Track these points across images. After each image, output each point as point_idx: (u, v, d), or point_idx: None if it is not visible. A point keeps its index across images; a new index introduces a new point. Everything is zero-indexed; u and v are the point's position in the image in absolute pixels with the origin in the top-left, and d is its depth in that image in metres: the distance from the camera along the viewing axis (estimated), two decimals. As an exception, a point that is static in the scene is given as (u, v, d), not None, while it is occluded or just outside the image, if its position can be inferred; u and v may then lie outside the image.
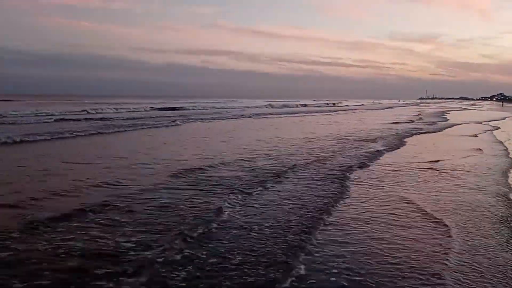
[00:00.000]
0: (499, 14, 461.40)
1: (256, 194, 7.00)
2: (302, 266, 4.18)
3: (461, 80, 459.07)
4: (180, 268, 4.08)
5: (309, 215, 5.87)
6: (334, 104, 77.66)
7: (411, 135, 17.73)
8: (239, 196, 6.69)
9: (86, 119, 26.23)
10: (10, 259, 4.25)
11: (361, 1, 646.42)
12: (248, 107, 52.99)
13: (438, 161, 10.76)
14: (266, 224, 5.44)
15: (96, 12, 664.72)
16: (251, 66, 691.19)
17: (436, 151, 13.33)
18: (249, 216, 5.79)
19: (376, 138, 15.90)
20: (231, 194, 6.81)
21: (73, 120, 25.34)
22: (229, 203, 6.29)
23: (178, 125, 23.69)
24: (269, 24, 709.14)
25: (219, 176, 8.33)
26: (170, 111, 39.32)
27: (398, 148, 13.55)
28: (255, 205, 6.34)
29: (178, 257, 4.31)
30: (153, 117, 28.81)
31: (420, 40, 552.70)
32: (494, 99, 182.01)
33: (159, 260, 4.21)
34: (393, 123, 25.99)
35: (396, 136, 16.79)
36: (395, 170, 9.46)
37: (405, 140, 15.81)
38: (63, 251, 4.44)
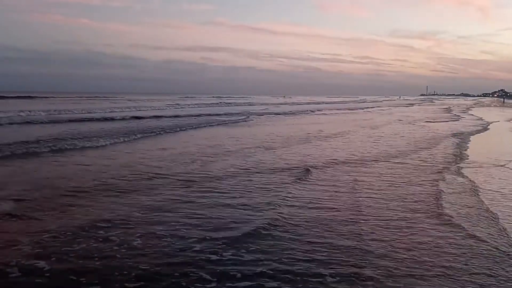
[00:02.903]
0: (498, 11, 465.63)
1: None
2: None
3: (461, 77, 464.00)
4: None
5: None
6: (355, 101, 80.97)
7: (475, 133, 20.17)
8: None
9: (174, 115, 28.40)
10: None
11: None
12: (279, 104, 55.70)
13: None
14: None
15: (95, 9, 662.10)
16: (250, 63, 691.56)
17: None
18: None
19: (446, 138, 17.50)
20: None
21: (149, 117, 27.00)
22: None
23: (251, 120, 26.52)
24: (269, 21, 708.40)
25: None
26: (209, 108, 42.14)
27: (476, 147, 15.55)
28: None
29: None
30: (217, 114, 31.48)
31: (420, 37, 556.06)
32: (495, 95, 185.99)
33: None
34: (443, 121, 28.51)
35: (465, 135, 18.39)
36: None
37: (474, 139, 17.76)
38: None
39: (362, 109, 48.72)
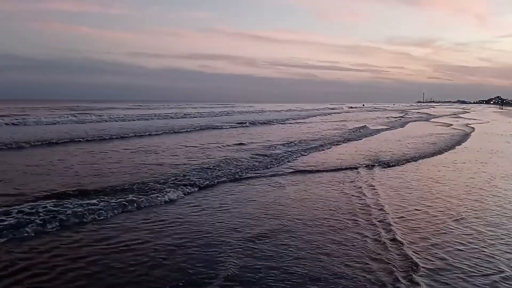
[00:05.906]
0: (495, 18, 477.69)
1: None
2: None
3: (458, 84, 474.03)
4: None
5: None
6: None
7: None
8: None
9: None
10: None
11: (359, 5, 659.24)
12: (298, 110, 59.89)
13: None
14: None
15: (93, 17, 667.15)
16: (248, 70, 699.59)
17: None
18: None
19: None
20: None
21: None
22: None
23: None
24: (267, 29, 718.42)
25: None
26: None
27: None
28: None
29: None
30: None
31: (418, 44, 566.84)
32: (492, 102, 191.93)
33: None
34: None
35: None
36: None
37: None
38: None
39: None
